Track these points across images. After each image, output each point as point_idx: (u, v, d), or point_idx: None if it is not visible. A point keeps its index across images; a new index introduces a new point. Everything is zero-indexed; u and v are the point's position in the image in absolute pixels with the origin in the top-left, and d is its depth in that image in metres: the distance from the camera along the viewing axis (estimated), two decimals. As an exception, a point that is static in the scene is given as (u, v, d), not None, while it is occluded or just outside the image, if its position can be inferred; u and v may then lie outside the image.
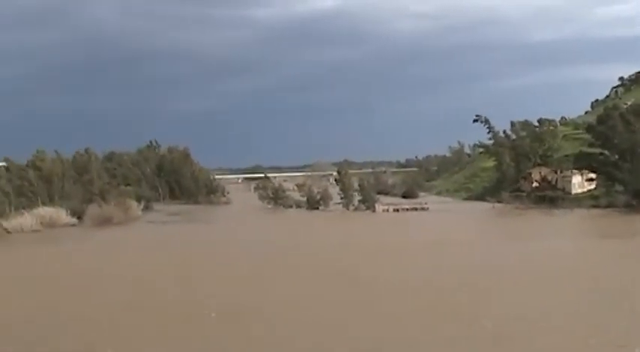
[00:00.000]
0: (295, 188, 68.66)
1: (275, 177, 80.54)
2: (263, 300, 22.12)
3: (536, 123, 73.40)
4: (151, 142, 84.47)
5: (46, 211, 47.92)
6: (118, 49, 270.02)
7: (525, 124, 72.37)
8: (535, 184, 62.79)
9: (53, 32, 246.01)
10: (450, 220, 51.95)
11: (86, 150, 68.87)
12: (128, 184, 63.67)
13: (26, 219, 45.45)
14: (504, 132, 71.18)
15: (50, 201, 50.72)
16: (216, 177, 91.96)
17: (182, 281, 25.78)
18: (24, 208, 46.96)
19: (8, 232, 43.34)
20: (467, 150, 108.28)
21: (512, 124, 71.98)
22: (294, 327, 19.41)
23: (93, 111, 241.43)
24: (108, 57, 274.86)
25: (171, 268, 29.27)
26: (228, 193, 77.99)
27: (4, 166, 54.55)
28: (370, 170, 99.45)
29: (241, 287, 24.26)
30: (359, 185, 63.25)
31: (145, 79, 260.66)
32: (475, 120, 71.97)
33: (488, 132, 71.28)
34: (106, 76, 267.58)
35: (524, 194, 61.26)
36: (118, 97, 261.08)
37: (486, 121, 71.13)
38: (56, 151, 63.20)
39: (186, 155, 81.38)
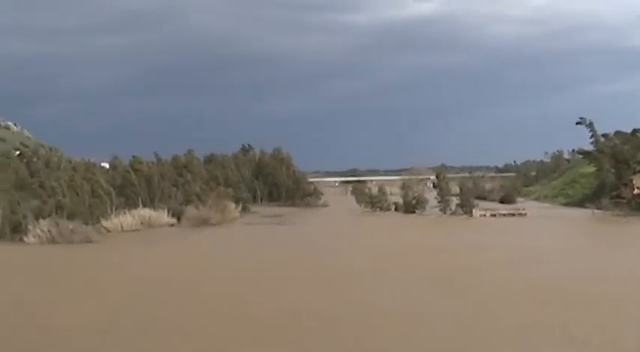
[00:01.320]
0: (392, 191, 68.22)
1: (372, 181, 79.92)
2: (364, 309, 19.95)
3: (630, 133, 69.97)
4: (248, 145, 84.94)
5: (145, 211, 48.60)
6: (218, 52, 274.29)
7: (620, 134, 69.51)
8: (636, 191, 60.28)
9: (156, 36, 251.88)
10: (550, 226, 50.26)
11: (189, 152, 69.82)
12: (226, 186, 63.90)
13: (126, 219, 46.16)
14: (604, 136, 68.84)
15: (150, 201, 51.35)
16: (314, 180, 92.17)
17: (278, 284, 24.85)
18: (125, 208, 47.59)
19: (108, 231, 43.91)
20: (566, 156, 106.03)
21: (606, 135, 69.31)
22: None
23: (193, 113, 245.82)
24: (207, 60, 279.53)
25: (270, 271, 28.35)
26: (323, 196, 77.74)
27: (107, 166, 55.72)
28: (467, 174, 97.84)
29: (338, 293, 22.61)
30: (459, 189, 62.22)
31: (243, 82, 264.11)
32: (578, 123, 69.76)
33: (591, 137, 69.18)
34: (206, 79, 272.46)
35: (625, 201, 58.93)
36: (218, 100, 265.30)
37: (590, 124, 68.98)
38: (156, 153, 64.62)
39: (283, 158, 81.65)
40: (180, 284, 24.20)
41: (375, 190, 68.44)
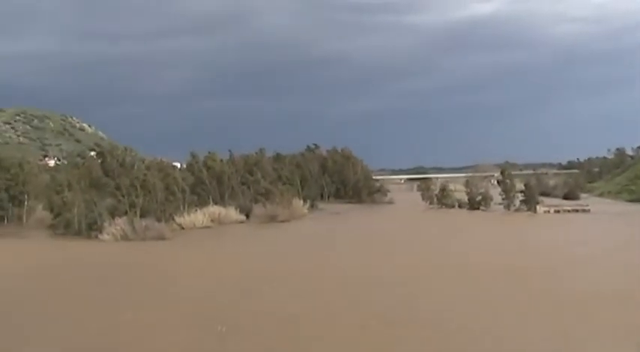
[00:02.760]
0: (456, 188, 67.64)
1: (437, 178, 79.07)
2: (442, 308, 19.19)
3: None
4: (314, 145, 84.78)
5: (216, 209, 48.82)
6: (286, 54, 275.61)
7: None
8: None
9: (227, 38, 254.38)
10: (615, 222, 48.89)
11: (260, 150, 69.99)
12: (294, 184, 63.87)
13: (198, 216, 46.38)
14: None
15: (221, 199, 51.57)
16: (380, 177, 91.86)
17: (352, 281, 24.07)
18: (196, 205, 47.89)
19: (182, 228, 44.19)
20: (629, 152, 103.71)
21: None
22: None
23: (261, 114, 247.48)
24: (276, 62, 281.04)
25: (347, 269, 27.43)
26: (390, 193, 77.17)
27: (177, 166, 56.14)
28: (531, 171, 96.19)
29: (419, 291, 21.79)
30: (525, 185, 61.19)
31: (310, 83, 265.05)
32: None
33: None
34: (276, 80, 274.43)
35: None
36: (285, 100, 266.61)
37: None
38: (230, 151, 65.04)
39: (348, 156, 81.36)
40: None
41: (439, 187, 67.73)
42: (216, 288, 22.65)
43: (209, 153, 56.90)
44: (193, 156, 57.55)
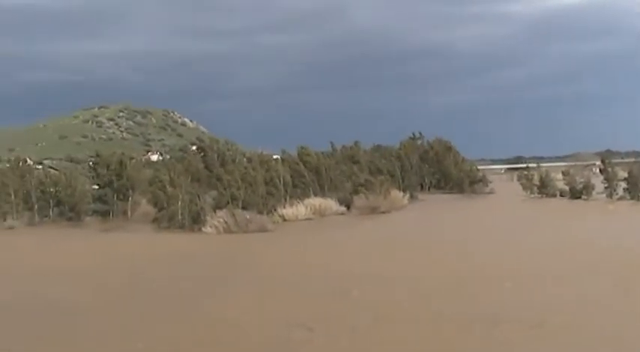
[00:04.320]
0: (556, 177, 65.93)
1: (537, 167, 77.10)
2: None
3: None
4: (419, 133, 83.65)
5: (317, 201, 48.65)
6: (377, 47, 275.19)
7: None
8: None
9: (316, 34, 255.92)
10: None
11: (355, 143, 69.69)
12: (393, 175, 63.26)
13: (300, 208, 46.27)
14: None
15: (320, 191, 51.41)
16: (480, 167, 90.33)
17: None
18: (297, 198, 47.86)
19: (285, 220, 44.19)
20: None
21: None
22: None
23: (356, 107, 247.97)
24: (368, 55, 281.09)
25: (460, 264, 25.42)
26: (491, 183, 75.58)
27: (277, 158, 56.33)
28: (633, 160, 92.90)
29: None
30: (628, 173, 58.90)
31: (403, 75, 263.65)
32: None
33: None
34: (366, 74, 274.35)
35: None
36: (379, 93, 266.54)
37: None
38: (332, 143, 65.02)
39: (448, 146, 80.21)
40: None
41: (540, 176, 65.97)
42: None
43: (301, 147, 56.77)
44: (284, 151, 57.71)
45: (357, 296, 18.52)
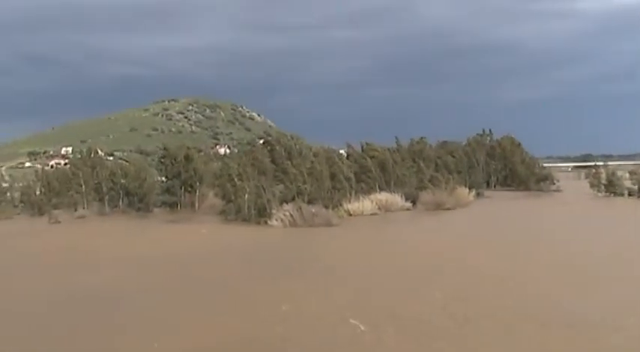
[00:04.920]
0: (624, 176, 64.50)
1: (605, 165, 75.64)
2: None
3: None
4: (483, 131, 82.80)
5: (382, 196, 48.50)
6: (446, 43, 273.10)
7: None
8: None
9: (386, 29, 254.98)
10: None
11: (421, 139, 69.25)
12: (459, 172, 62.73)
13: (365, 203, 46.17)
14: None
15: (387, 186, 51.26)
16: (546, 165, 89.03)
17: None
18: (363, 193, 47.78)
19: (350, 214, 44.18)
20: None
21: None
22: None
23: (423, 102, 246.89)
24: (436, 51, 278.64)
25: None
26: (558, 181, 74.29)
27: (344, 153, 56.36)
28: None
29: None
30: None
31: (471, 71, 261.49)
32: None
33: None
34: (435, 69, 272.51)
35: None
36: (446, 89, 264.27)
37: None
38: (396, 138, 64.71)
39: (515, 143, 79.15)
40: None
41: (608, 175, 64.61)
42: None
43: (367, 143, 56.70)
44: (349, 145, 57.66)
45: (421, 292, 18.14)
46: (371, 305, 16.48)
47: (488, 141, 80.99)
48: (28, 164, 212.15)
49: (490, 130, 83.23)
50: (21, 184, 69.68)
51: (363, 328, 13.99)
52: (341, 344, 13.11)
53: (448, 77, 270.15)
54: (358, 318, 14.76)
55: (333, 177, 46.83)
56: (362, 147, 56.53)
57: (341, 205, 44.92)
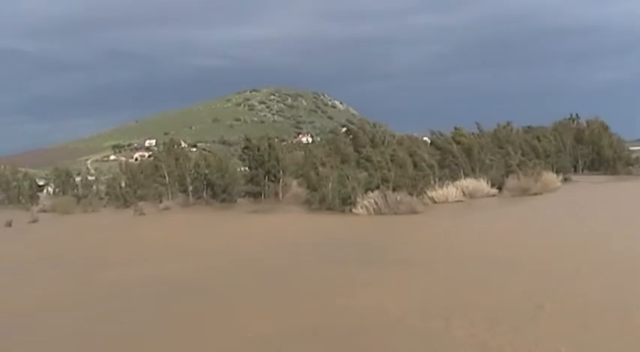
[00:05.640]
0: None
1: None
2: None
3: None
4: (570, 116, 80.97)
5: (467, 182, 47.94)
6: (529, 25, 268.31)
7: None
8: None
9: (470, 13, 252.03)
10: None
11: (507, 124, 68.18)
12: (546, 157, 61.57)
13: (450, 190, 45.72)
14: None
15: (472, 172, 50.69)
16: (636, 148, 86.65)
17: None
18: (447, 179, 47.35)
19: (435, 202, 43.84)
20: None
21: None
22: None
23: (506, 86, 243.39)
24: (519, 34, 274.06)
25: None
26: (647, 165, 72.20)
27: (427, 140, 55.92)
28: None
29: None
30: None
31: (555, 53, 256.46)
32: None
33: None
34: (518, 53, 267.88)
35: None
36: (530, 72, 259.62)
37: None
38: (478, 124, 63.76)
39: (603, 127, 77.14)
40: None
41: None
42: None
43: (455, 128, 56.09)
44: (433, 132, 57.13)
45: (508, 285, 17.27)
46: (453, 297, 15.87)
47: (575, 125, 79.22)
48: (112, 157, 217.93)
49: (577, 114, 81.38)
50: (106, 177, 71.53)
51: (441, 322, 13.53)
52: (417, 339, 12.68)
53: (532, 60, 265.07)
54: (437, 311, 14.33)
55: (416, 164, 46.52)
56: (439, 134, 55.89)
57: (425, 192, 44.60)
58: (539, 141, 67.39)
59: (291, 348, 12.55)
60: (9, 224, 44.32)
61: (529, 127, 74.99)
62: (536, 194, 47.72)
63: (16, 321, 16.03)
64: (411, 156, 46.96)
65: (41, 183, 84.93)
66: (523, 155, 58.23)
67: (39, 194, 76.08)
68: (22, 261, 26.97)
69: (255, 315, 14.94)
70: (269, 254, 25.25)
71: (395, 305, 15.26)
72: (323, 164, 43.93)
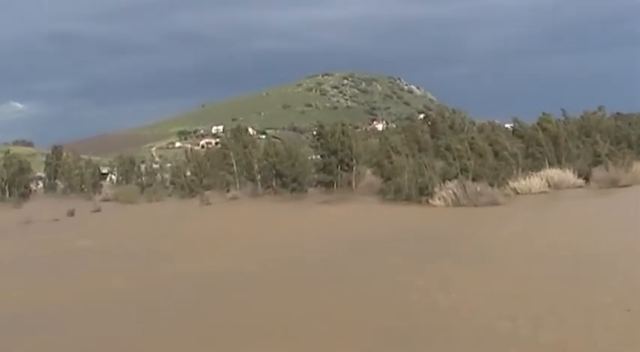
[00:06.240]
0: None
1: None
2: None
3: None
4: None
5: (552, 172, 47.17)
6: (614, 6, 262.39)
7: None
8: None
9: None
10: None
11: (599, 109, 66.64)
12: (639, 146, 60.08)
13: (534, 181, 45.08)
14: None
15: (557, 162, 49.84)
16: None
17: None
18: (531, 170, 46.67)
19: (517, 193, 43.31)
20: None
21: None
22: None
23: (592, 71, 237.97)
24: (604, 15, 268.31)
25: None
26: None
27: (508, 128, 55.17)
28: None
29: None
30: None
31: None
32: None
33: None
34: (605, 35, 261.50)
35: None
36: (617, 56, 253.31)
37: None
38: (563, 110, 62.50)
39: None
40: None
41: None
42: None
43: (543, 113, 55.07)
44: (516, 120, 56.24)
45: (597, 284, 16.46)
46: (535, 297, 15.17)
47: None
48: (178, 144, 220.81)
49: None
50: (170, 165, 72.50)
51: (520, 322, 12.97)
52: (494, 340, 12.16)
53: (620, 43, 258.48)
54: (517, 311, 13.77)
55: (497, 153, 45.92)
56: (538, 120, 54.88)
57: (507, 183, 44.06)
58: (631, 128, 65.80)
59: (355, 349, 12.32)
60: (71, 213, 45.14)
61: (618, 114, 73.22)
62: (626, 186, 46.63)
63: (66, 316, 16.32)
64: (491, 144, 46.35)
65: (104, 171, 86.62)
66: (612, 144, 56.94)
67: (102, 182, 77.65)
68: (83, 253, 27.16)
69: (332, 312, 14.88)
70: (340, 248, 25.15)
71: (473, 304, 14.83)
72: (397, 152, 43.73)
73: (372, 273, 19.49)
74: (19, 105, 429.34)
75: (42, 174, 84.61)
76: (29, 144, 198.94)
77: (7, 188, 66.15)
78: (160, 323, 14.78)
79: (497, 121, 56.30)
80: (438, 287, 16.80)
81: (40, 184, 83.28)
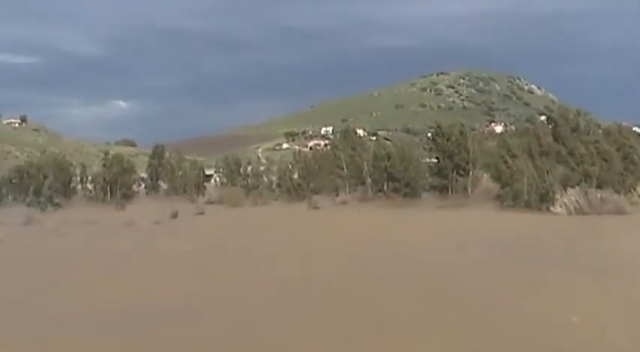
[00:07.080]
0: None
1: None
2: None
3: None
4: None
5: None
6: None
7: None
8: None
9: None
10: None
11: None
12: None
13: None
14: None
15: None
16: None
17: None
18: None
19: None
20: None
21: None
22: None
23: None
24: None
25: None
26: None
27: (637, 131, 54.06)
28: None
29: None
30: None
31: None
32: None
33: None
34: None
35: None
36: None
37: None
38: None
39: None
40: None
41: None
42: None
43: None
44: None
45: None
46: None
47: None
48: (285, 145, 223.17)
49: None
50: (276, 167, 73.57)
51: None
52: None
53: None
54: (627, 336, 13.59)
55: (626, 157, 45.25)
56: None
57: (635, 190, 43.47)
58: None
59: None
60: (174, 215, 46.13)
61: None
62: None
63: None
64: (618, 149, 45.71)
65: (209, 172, 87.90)
66: None
67: (205, 184, 78.91)
68: (185, 257, 27.04)
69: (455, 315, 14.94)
70: (459, 256, 25.07)
71: (593, 322, 14.17)
72: (514, 156, 43.65)
73: (479, 290, 19.56)
74: (122, 104, 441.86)
75: (144, 174, 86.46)
76: (132, 144, 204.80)
77: (108, 189, 68.07)
78: (295, 318, 15.01)
79: (624, 124, 55.31)
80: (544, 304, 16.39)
81: (143, 185, 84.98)
